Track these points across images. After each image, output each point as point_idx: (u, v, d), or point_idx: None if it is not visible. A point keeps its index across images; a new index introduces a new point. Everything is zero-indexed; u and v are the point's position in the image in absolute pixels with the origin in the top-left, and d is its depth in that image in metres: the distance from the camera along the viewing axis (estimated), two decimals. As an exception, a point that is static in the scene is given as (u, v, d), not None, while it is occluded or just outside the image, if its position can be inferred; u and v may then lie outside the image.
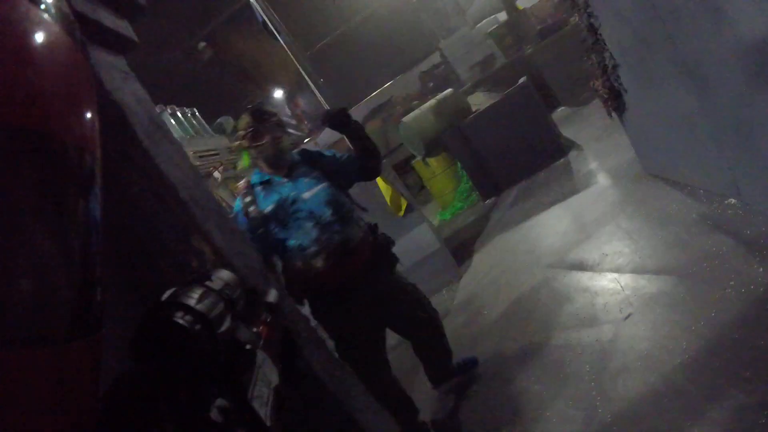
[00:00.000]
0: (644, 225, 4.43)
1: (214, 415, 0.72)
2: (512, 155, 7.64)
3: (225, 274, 0.95)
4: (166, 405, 0.70)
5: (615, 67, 4.76)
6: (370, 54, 17.48)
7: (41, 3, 0.69)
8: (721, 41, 3.31)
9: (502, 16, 11.90)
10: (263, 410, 0.80)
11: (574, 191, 6.10)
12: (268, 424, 0.79)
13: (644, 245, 4.14)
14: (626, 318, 3.48)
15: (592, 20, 4.69)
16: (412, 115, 8.81)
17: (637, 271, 3.88)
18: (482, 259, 6.21)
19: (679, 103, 4.05)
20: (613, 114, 5.31)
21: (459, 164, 8.76)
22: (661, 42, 3.90)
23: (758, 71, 3.14)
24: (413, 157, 9.84)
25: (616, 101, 5.00)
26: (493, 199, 7.99)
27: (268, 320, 1.06)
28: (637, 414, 2.76)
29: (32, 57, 0.63)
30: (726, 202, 3.92)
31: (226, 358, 0.79)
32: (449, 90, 9.14)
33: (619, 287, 3.83)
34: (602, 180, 5.88)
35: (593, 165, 6.45)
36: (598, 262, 4.36)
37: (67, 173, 0.66)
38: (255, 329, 0.99)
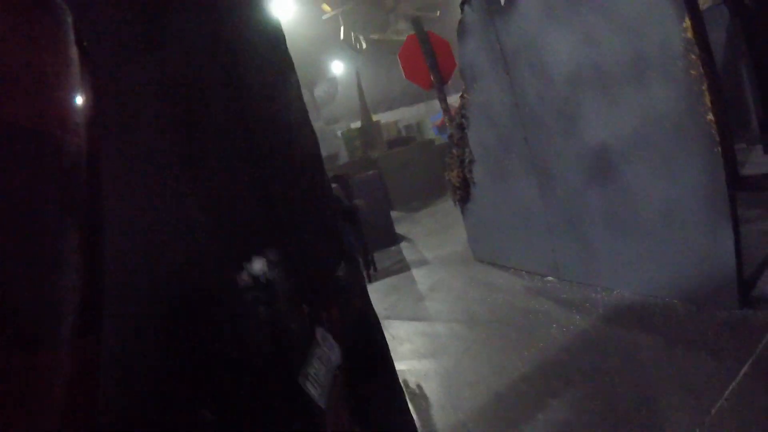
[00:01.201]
0: (475, 291, 5.14)
1: (259, 400, 0.74)
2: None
3: (271, 254, 0.94)
4: (205, 392, 0.72)
5: (471, 162, 5.67)
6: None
7: None
8: (567, 145, 4.30)
9: (356, 124, 13.11)
10: (317, 390, 0.79)
11: (406, 269, 6.73)
12: (323, 405, 0.78)
13: (476, 304, 4.81)
14: (465, 351, 3.98)
15: (463, 120, 5.61)
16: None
17: (472, 321, 4.47)
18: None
19: (523, 195, 4.99)
20: (457, 204, 6.16)
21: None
22: (518, 143, 4.86)
23: (593, 170, 4.12)
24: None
25: (464, 192, 5.88)
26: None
27: (335, 299, 1.05)
28: (485, 412, 3.19)
29: (29, 55, 0.63)
30: (546, 279, 4.79)
31: (272, 341, 0.80)
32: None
33: (456, 332, 4.35)
34: (434, 262, 6.61)
35: (426, 254, 7.23)
36: (432, 315, 4.89)
37: (65, 171, 0.67)
38: (310, 309, 0.97)
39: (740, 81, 8.21)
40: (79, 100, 0.73)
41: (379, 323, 1.66)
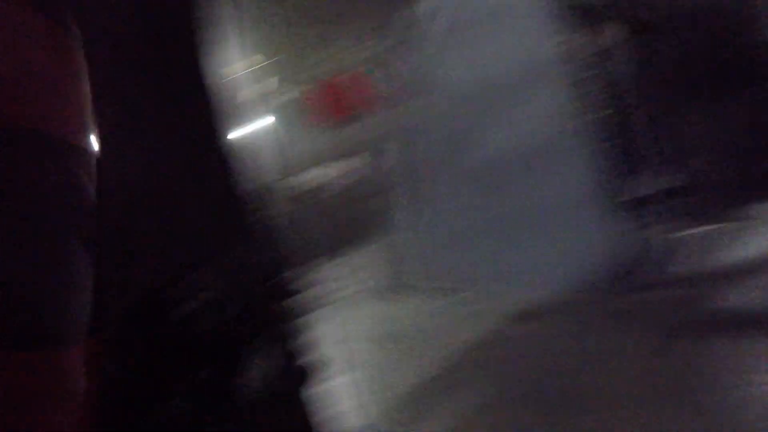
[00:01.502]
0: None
1: (233, 390, 0.80)
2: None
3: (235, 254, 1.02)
4: (180, 384, 0.77)
5: (394, 184, 5.78)
6: None
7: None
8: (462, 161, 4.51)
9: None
10: (257, 392, 0.86)
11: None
12: (262, 405, 0.87)
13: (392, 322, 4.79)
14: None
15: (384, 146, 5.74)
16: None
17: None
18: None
19: (449, 209, 5.13)
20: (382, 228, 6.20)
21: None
22: (426, 160, 5.03)
23: (490, 177, 4.32)
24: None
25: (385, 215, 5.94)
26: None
27: (273, 308, 1.10)
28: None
29: (26, 54, 0.64)
30: (461, 291, 4.89)
31: (228, 338, 0.85)
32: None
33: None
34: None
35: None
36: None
37: (62, 172, 0.67)
38: (257, 315, 1.03)
39: (630, 110, 8.96)
40: (82, 101, 0.74)
41: (312, 335, 1.76)
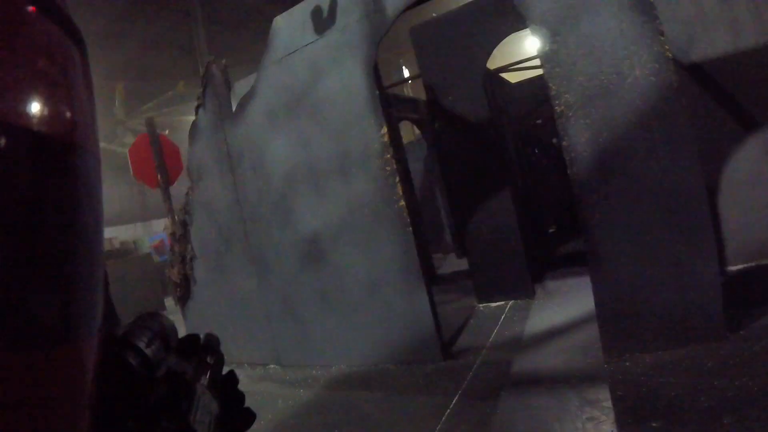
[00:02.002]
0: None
1: None
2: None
3: (161, 317, 1.20)
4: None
5: (192, 258, 5.69)
6: None
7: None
8: (284, 236, 4.71)
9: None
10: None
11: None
12: None
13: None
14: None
15: (186, 217, 5.68)
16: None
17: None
18: None
19: (241, 287, 5.17)
20: (177, 303, 6.01)
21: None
22: (239, 238, 5.11)
23: (306, 256, 4.56)
24: None
25: (185, 289, 5.80)
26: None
27: (207, 360, 1.28)
28: None
29: (27, 55, 0.60)
30: (268, 367, 4.91)
31: (166, 390, 0.81)
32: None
33: None
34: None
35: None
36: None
37: (66, 174, 0.64)
38: (192, 366, 1.24)
39: (436, 203, 10.03)
40: (79, 101, 0.66)
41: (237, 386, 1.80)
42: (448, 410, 3.29)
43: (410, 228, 4.03)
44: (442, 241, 10.07)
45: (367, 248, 4.22)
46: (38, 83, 0.59)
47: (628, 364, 3.23)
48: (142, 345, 0.80)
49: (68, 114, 0.63)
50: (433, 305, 4.10)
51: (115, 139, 16.27)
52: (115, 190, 16.76)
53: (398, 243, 4.08)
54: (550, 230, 9.06)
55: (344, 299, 4.43)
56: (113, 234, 16.04)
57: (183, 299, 5.91)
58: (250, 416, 1.26)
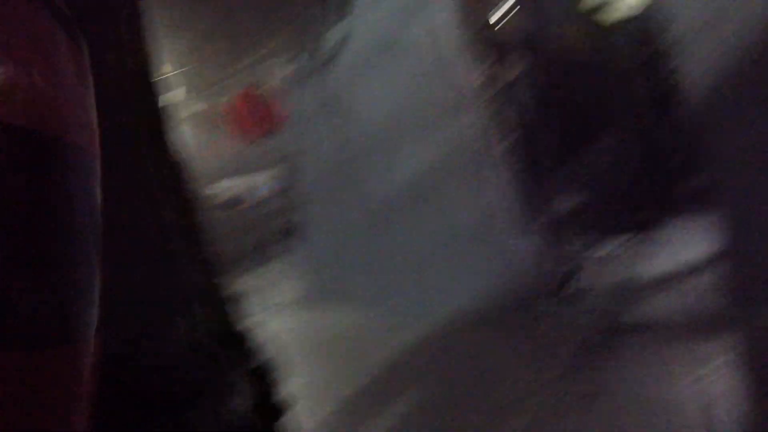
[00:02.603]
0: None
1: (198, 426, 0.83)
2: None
3: (198, 307, 1.06)
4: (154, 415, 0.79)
5: (300, 210, 5.78)
6: None
7: None
8: (387, 184, 4.63)
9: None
10: (241, 421, 0.91)
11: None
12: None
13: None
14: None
15: (288, 168, 5.74)
16: None
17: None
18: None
19: (357, 239, 5.20)
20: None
21: None
22: (344, 187, 5.11)
23: (411, 201, 4.47)
24: None
25: (292, 240, 5.92)
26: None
27: (241, 351, 1.16)
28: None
29: (28, 54, 0.63)
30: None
31: (206, 375, 0.89)
32: None
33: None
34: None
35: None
36: None
37: (66, 173, 0.67)
38: (229, 356, 1.08)
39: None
40: (81, 101, 0.72)
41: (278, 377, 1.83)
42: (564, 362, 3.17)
43: (516, 168, 3.82)
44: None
45: (472, 192, 4.07)
46: (21, 76, 0.59)
47: None
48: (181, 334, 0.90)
49: (54, 108, 0.64)
50: (543, 249, 3.91)
51: (220, 94, 16.74)
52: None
53: (504, 186, 3.89)
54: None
55: (448, 244, 4.33)
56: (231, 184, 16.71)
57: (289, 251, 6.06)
58: (281, 410, 1.20)
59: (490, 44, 4.55)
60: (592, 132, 5.07)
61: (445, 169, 4.20)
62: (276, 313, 6.15)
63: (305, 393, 3.59)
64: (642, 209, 5.05)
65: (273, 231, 7.07)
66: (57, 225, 0.63)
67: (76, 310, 0.66)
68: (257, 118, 6.37)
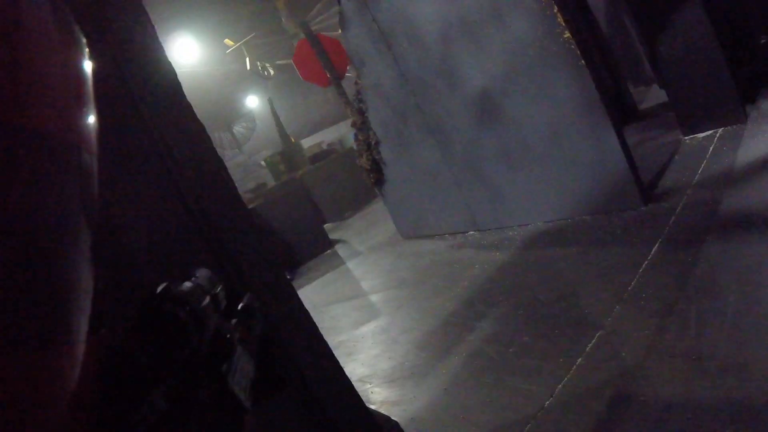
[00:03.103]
0: (403, 263, 5.26)
1: (201, 395, 0.83)
2: (285, 247, 8.21)
3: (206, 272, 1.06)
4: (159, 386, 0.78)
5: (377, 143, 5.81)
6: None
7: None
8: (453, 99, 4.49)
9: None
10: (242, 395, 0.90)
11: (342, 263, 6.79)
12: (247, 406, 0.91)
13: (404, 271, 4.94)
14: (397, 308, 4.07)
15: (361, 105, 5.75)
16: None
17: (402, 285, 4.58)
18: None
19: (426, 160, 5.15)
20: (374, 187, 6.27)
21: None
22: (412, 112, 5.03)
23: (480, 115, 4.32)
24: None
25: (378, 174, 5.99)
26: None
27: (244, 321, 1.17)
28: (419, 349, 3.29)
29: (26, 53, 0.64)
30: (467, 234, 4.94)
31: (210, 348, 0.90)
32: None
33: (388, 297, 4.44)
34: (365, 252, 6.71)
35: (358, 247, 7.31)
36: (367, 290, 4.97)
37: (64, 172, 0.68)
38: (236, 327, 1.10)
39: (627, 32, 8.78)
40: (82, 103, 0.75)
41: (278, 351, 1.83)
42: (646, 262, 2.95)
43: (582, 61, 3.52)
44: (641, 72, 8.84)
45: (540, 93, 3.82)
46: (29, 78, 0.61)
47: None
48: (194, 302, 0.90)
49: (42, 105, 0.63)
50: (625, 145, 3.61)
51: (293, 53, 16.99)
52: (311, 100, 17.72)
53: (572, 80, 3.61)
54: (762, 40, 7.30)
55: (527, 154, 4.14)
56: (321, 138, 17.21)
57: (378, 183, 6.15)
58: (281, 382, 1.22)
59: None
60: (669, 9, 4.51)
61: (508, 77, 3.99)
62: (371, 253, 6.37)
63: (389, 336, 3.74)
64: (732, 99, 4.49)
65: (359, 177, 7.20)
66: (46, 225, 0.63)
67: (68, 312, 0.66)
68: (325, 62, 6.38)
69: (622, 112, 6.21)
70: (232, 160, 15.51)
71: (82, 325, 0.68)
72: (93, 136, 0.77)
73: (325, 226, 10.75)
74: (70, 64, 0.75)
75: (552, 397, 2.24)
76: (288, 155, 12.25)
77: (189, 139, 1.95)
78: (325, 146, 14.92)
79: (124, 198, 1.69)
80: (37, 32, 0.68)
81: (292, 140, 12.99)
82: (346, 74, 6.66)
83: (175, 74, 1.96)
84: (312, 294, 6.09)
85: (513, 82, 3.97)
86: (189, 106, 1.98)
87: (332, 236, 9.09)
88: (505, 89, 4.04)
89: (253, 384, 1.00)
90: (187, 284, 0.94)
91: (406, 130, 5.27)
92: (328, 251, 8.11)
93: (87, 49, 0.81)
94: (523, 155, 4.19)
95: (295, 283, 7.17)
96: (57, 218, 0.65)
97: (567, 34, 3.52)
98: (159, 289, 0.87)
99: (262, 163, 14.02)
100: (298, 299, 2.08)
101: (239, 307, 1.21)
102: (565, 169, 3.96)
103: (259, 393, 1.03)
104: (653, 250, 3.06)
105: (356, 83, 5.70)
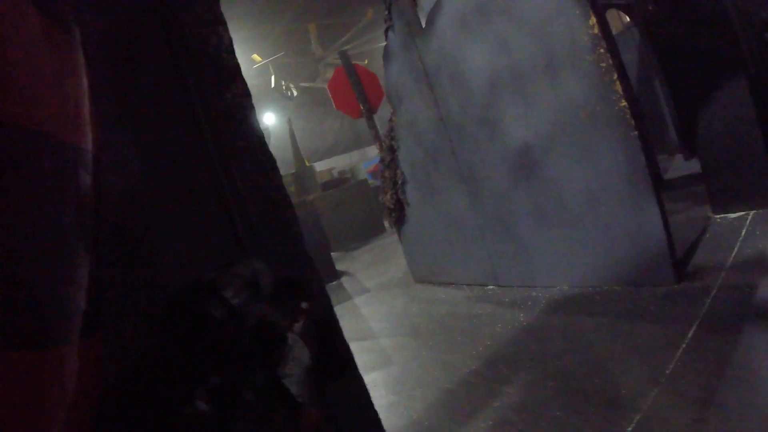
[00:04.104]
0: (417, 307, 5.11)
1: (247, 393, 0.78)
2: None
3: (246, 260, 1.03)
4: (199, 386, 0.75)
5: (404, 183, 5.73)
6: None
7: None
8: (491, 149, 4.42)
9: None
10: (295, 388, 0.85)
11: (348, 298, 6.63)
12: (300, 401, 0.85)
13: (418, 317, 4.78)
14: (412, 359, 3.93)
15: (392, 142, 5.69)
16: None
17: (416, 333, 4.43)
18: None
19: (454, 206, 5.06)
20: (393, 227, 6.17)
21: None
22: (446, 156, 4.96)
23: (517, 169, 4.24)
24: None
25: (399, 213, 5.90)
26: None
27: (302, 306, 1.12)
28: (439, 408, 3.15)
29: (25, 54, 0.63)
30: (486, 287, 4.81)
31: (256, 341, 0.86)
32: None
33: (401, 343, 4.30)
34: (374, 289, 6.56)
35: (366, 283, 7.17)
36: (376, 333, 4.81)
37: (62, 172, 0.68)
38: (286, 313, 1.05)
39: (656, 97, 8.81)
40: (81, 102, 0.74)
41: (340, 330, 1.73)
42: (684, 344, 2.83)
43: (635, 132, 3.46)
44: (665, 139, 8.82)
45: (585, 156, 3.75)
46: (28, 78, 0.59)
47: None
48: (228, 295, 0.83)
49: (32, 103, 0.61)
50: (664, 218, 3.53)
51: (317, 77, 17.17)
52: (326, 125, 17.82)
53: (620, 148, 3.54)
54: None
55: (562, 214, 4.05)
56: (332, 165, 17.24)
57: (398, 223, 6.05)
58: (345, 364, 1.18)
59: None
60: (711, 85, 4.48)
61: (553, 136, 3.92)
62: (381, 292, 6.22)
63: (406, 379, 3.59)
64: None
65: (375, 210, 7.12)
66: (36, 225, 0.61)
67: (67, 311, 0.65)
68: (359, 93, 6.34)
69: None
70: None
71: (77, 325, 0.66)
72: (85, 130, 0.75)
73: (332, 254, 10.65)
74: (64, 60, 0.73)
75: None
76: (300, 177, 12.18)
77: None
78: (335, 174, 14.88)
79: (159, 194, 1.57)
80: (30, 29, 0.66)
81: (306, 163, 12.93)
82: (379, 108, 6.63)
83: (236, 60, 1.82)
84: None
85: (557, 141, 3.90)
86: (245, 91, 1.84)
87: (338, 266, 8.96)
88: (548, 147, 3.98)
89: (309, 372, 0.94)
90: (219, 275, 0.90)
91: (436, 173, 5.20)
92: (334, 282, 7.97)
93: (79, 38, 0.79)
94: (556, 215, 4.10)
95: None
96: (44, 216, 0.64)
97: (623, 103, 3.46)
98: (186, 283, 0.85)
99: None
100: (330, 300, 1.93)
101: (288, 290, 1.15)
102: (599, 235, 3.86)
103: (319, 380, 0.97)
104: (690, 332, 2.94)
105: (391, 120, 5.65)
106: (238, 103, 1.75)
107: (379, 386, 3.71)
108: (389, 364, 4.01)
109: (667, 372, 2.65)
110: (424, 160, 5.31)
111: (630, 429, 2.35)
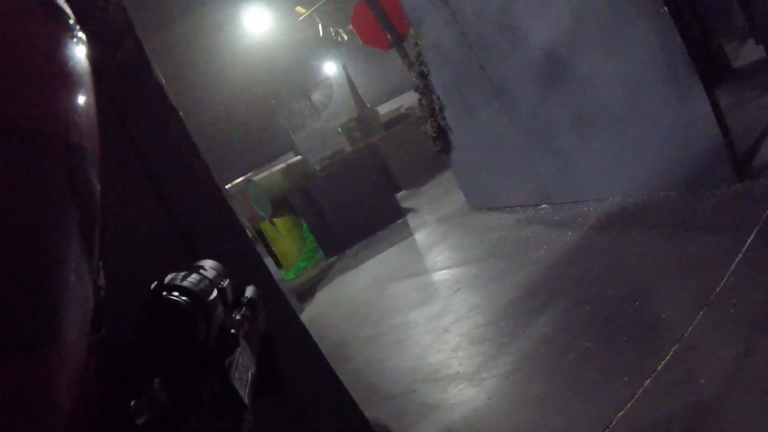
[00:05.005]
0: (470, 237, 4.89)
1: (204, 393, 0.79)
2: (355, 217, 8.06)
3: (213, 264, 1.02)
4: (162, 379, 0.74)
5: (441, 108, 5.37)
6: (224, 148, 17.78)
7: None
8: (517, 56, 3.98)
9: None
10: (242, 391, 0.87)
11: (409, 235, 6.54)
12: (247, 402, 0.86)
13: (470, 248, 4.59)
14: (455, 291, 3.76)
15: (422, 67, 5.33)
16: (261, 175, 9.15)
17: (465, 263, 4.24)
18: (324, 294, 6.43)
19: (492, 125, 4.67)
20: (440, 154, 5.87)
21: (304, 226, 9.06)
22: (475, 73, 4.55)
23: (547, 74, 3.80)
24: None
25: (443, 141, 5.57)
26: (336, 256, 8.21)
27: (247, 314, 1.13)
28: (473, 341, 2.99)
29: (26, 54, 0.64)
30: (539, 207, 4.48)
31: (215, 341, 0.87)
32: (298, 157, 9.61)
33: (448, 277, 4.13)
34: (434, 223, 6.41)
35: (428, 218, 7.03)
36: (428, 268, 4.66)
37: (65, 172, 0.68)
38: (238, 317, 1.07)
39: None
40: (81, 101, 0.74)
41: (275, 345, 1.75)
42: (739, 256, 2.36)
43: (665, 8, 2.92)
44: (732, 24, 7.60)
45: (614, 46, 3.25)
46: (29, 78, 0.62)
47: None
48: (192, 287, 0.85)
49: (35, 105, 0.63)
50: (717, 108, 2.98)
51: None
52: (389, 64, 17.34)
53: (653, 32, 3.02)
54: None
55: (602, 118, 3.58)
56: (400, 103, 16.85)
57: (444, 151, 5.74)
58: (280, 381, 1.15)
59: None
60: None
61: (576, 28, 3.43)
62: (441, 225, 6.07)
63: (441, 323, 3.42)
64: None
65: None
66: (36, 227, 0.62)
67: (66, 312, 0.65)
68: (384, 24, 6.01)
69: (712, 70, 5.28)
70: (307, 129, 15.46)
71: (75, 325, 0.66)
72: (87, 127, 0.74)
73: (400, 193, 10.55)
74: (55, 50, 0.73)
75: (608, 428, 1.83)
76: (363, 121, 12.00)
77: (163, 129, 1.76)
78: (403, 110, 14.52)
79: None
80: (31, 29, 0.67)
81: (368, 106, 12.67)
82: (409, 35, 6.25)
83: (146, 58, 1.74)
84: (376, 269, 5.92)
85: (582, 34, 3.42)
86: (160, 89, 1.75)
87: (405, 204, 8.85)
88: (573, 43, 3.50)
89: (252, 381, 0.95)
90: (195, 276, 0.89)
91: (469, 93, 4.81)
92: (399, 221, 7.87)
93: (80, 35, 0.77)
94: (596, 119, 3.64)
95: (363, 255, 7.04)
96: (40, 216, 0.63)
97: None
98: (166, 279, 0.85)
99: (339, 129, 13.86)
100: (286, 300, 2.00)
101: (244, 300, 1.16)
102: (646, 136, 3.38)
103: (258, 391, 0.97)
104: (748, 240, 2.45)
105: (416, 44, 5.28)
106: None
107: (418, 325, 3.62)
108: (433, 300, 3.90)
109: (717, 290, 2.25)
110: (455, 81, 4.93)
111: (663, 363, 2.02)
